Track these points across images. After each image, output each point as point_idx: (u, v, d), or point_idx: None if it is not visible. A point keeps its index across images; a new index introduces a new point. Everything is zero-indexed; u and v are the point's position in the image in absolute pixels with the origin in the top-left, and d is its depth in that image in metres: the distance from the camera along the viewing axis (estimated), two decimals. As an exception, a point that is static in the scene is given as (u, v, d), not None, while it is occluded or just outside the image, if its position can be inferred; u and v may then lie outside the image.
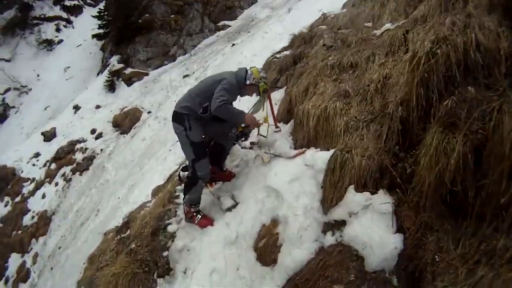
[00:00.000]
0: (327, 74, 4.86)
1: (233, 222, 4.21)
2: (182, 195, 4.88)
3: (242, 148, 5.22)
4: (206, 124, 4.58)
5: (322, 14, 8.49)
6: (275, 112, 5.16)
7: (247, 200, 4.31)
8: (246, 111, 5.27)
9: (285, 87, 6.09)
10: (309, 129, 4.17)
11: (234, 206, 4.53)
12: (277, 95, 5.94)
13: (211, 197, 4.94)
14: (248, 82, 4.53)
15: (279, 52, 8.09)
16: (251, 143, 5.10)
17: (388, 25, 5.13)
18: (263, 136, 4.87)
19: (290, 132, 4.80)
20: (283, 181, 3.86)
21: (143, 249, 4.72)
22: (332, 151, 3.53)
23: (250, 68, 4.66)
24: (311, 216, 3.35)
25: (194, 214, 4.59)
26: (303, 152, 4.09)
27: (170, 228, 4.82)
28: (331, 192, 3.25)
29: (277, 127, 4.99)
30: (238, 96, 4.72)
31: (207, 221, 4.52)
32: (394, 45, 4.39)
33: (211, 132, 4.80)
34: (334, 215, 3.19)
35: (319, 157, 3.65)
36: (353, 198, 3.04)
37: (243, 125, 4.84)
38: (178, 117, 4.45)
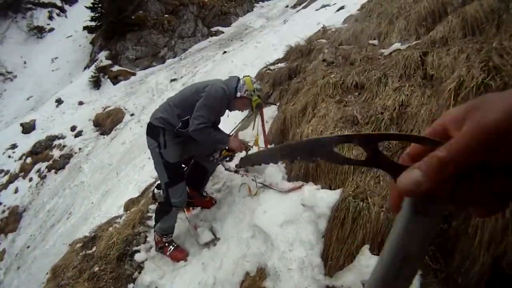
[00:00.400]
0: (328, 93, 4.32)
1: (211, 264, 3.54)
2: (154, 219, 4.25)
3: (225, 169, 4.51)
4: (185, 142, 3.87)
5: (322, 27, 8.09)
6: (266, 132, 4.52)
7: (228, 238, 3.64)
8: (234, 126, 4.68)
9: (278, 103, 5.59)
10: (308, 159, 3.51)
11: (213, 241, 3.91)
12: (269, 112, 5.38)
13: (186, 223, 4.34)
14: (239, 94, 3.81)
15: (273, 63, 7.62)
16: (236, 165, 4.38)
17: (397, 45, 4.72)
18: None
19: (283, 158, 4.13)
20: (274, 223, 3.15)
21: (107, 275, 4.29)
22: (337, 192, 2.89)
23: (243, 77, 3.94)
24: (310, 275, 2.67)
25: (166, 244, 4.03)
26: (300, 187, 3.38)
27: (138, 257, 4.32)
28: (338, 248, 2.58)
29: None
30: (227, 110, 4.01)
31: (180, 254, 3.97)
32: (409, 67, 3.83)
33: (189, 152, 4.12)
34: (342, 280, 2.51)
35: (321, 199, 2.93)
36: (368, 262, 2.38)
37: (227, 147, 4.10)
38: (152, 131, 3.76)
